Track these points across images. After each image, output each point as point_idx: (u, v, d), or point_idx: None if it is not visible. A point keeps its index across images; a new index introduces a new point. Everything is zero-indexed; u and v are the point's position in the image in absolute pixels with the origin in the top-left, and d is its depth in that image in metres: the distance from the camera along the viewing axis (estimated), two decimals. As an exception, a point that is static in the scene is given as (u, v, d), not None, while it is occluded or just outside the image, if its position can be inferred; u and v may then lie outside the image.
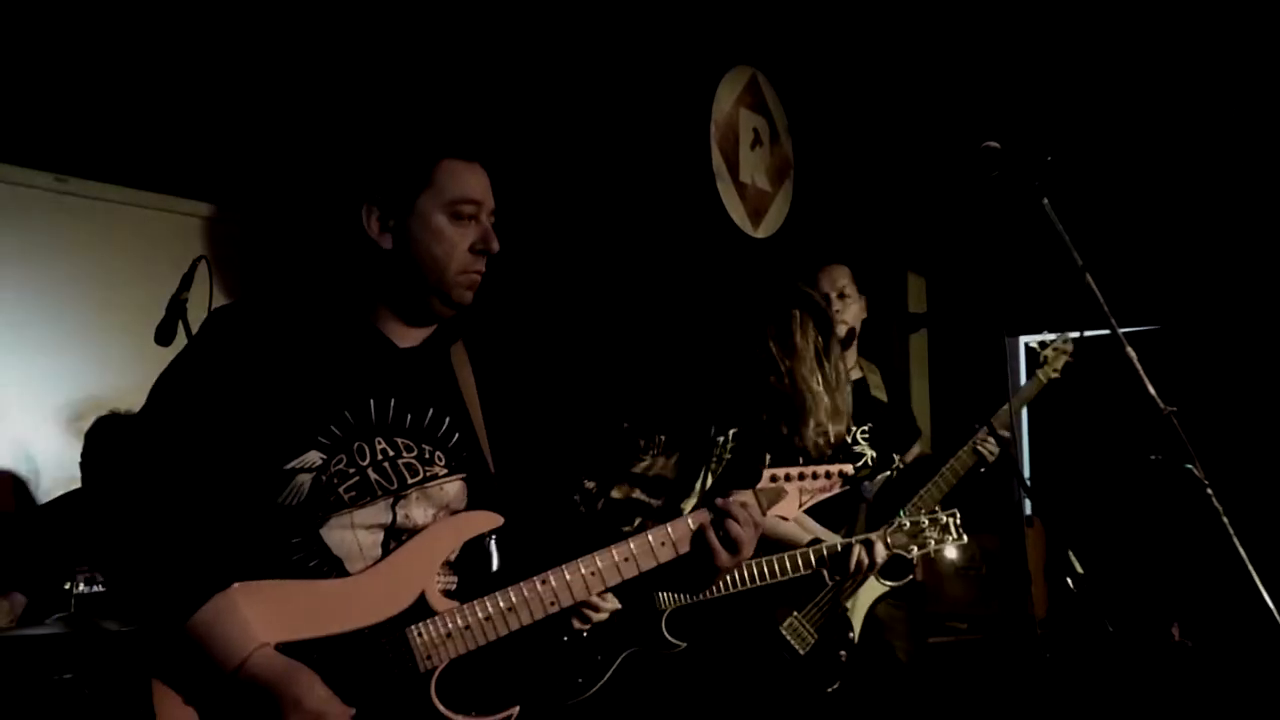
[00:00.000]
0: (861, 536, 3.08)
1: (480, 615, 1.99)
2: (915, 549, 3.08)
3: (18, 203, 4.33)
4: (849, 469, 2.26)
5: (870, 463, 3.37)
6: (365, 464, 1.99)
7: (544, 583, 2.01)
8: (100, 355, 4.61)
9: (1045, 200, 2.46)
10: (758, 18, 5.18)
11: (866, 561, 3.03)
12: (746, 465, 3.16)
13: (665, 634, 3.02)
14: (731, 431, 3.16)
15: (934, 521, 3.09)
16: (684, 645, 3.02)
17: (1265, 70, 4.67)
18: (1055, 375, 3.85)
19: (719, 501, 2.09)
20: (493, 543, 2.18)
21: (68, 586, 3.55)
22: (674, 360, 3.21)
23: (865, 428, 3.77)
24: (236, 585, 1.86)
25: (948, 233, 5.48)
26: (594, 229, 4.73)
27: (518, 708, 2.04)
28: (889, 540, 3.08)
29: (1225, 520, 2.38)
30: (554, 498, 2.22)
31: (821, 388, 3.02)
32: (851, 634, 3.23)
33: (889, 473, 3.56)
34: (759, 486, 2.17)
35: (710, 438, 3.15)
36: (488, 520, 2.06)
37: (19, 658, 3.29)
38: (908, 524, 3.10)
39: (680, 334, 3.26)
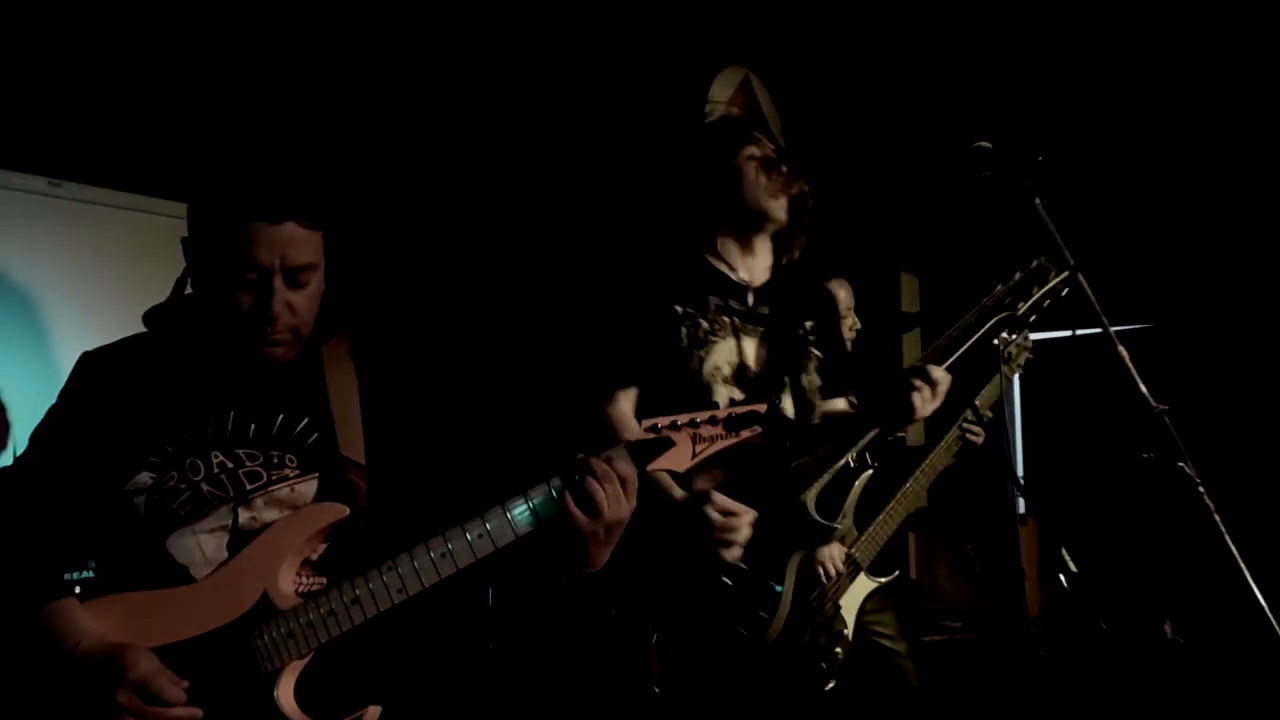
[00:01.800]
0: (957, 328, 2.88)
1: (324, 610, 1.91)
2: (1022, 304, 2.85)
3: (11, 206, 4.33)
4: (760, 408, 1.94)
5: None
6: (198, 478, 2.00)
7: (389, 570, 1.92)
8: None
9: (1037, 200, 2.47)
10: (749, 19, 5.19)
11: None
12: (837, 364, 3.04)
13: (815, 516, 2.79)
14: (809, 324, 3.03)
15: (1028, 272, 2.85)
16: (837, 527, 2.83)
17: (1257, 68, 4.69)
18: (1020, 370, 3.87)
19: (579, 456, 1.93)
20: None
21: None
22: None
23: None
24: (81, 602, 1.92)
25: (940, 232, 5.49)
26: (587, 228, 4.75)
27: (376, 708, 1.96)
28: (989, 304, 2.88)
29: (1217, 518, 2.39)
30: (439, 485, 2.11)
31: (767, 191, 2.96)
32: (846, 631, 3.20)
33: (871, 470, 3.55)
34: (634, 438, 1.93)
35: (796, 334, 2.99)
36: (331, 512, 1.98)
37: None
38: (999, 286, 2.89)
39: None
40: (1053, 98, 4.83)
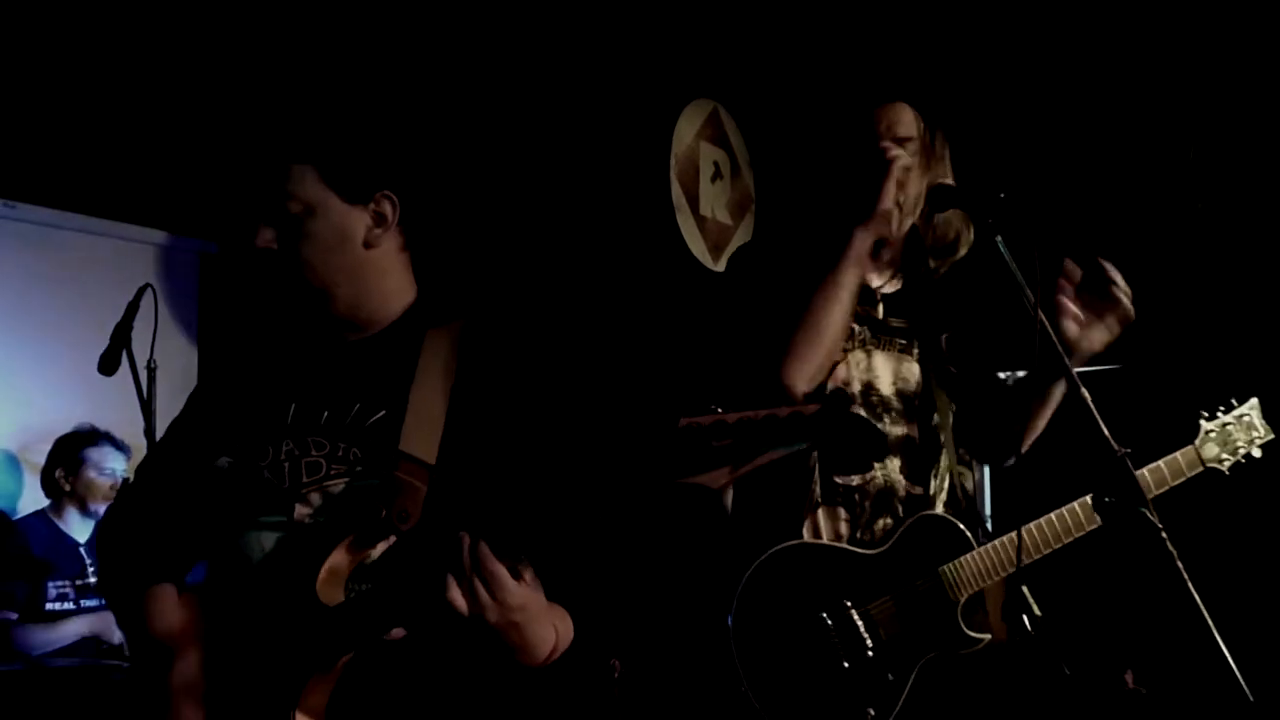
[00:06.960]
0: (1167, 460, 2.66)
1: (346, 620, 1.84)
2: (1227, 458, 2.74)
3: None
4: (809, 408, 1.46)
5: None
6: (264, 464, 1.98)
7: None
8: (48, 382, 4.56)
9: (999, 238, 2.42)
10: (719, 51, 5.19)
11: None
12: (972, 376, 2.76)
13: (963, 627, 2.59)
14: (944, 337, 2.76)
15: (1239, 419, 2.77)
16: (986, 639, 2.58)
17: (1223, 109, 4.71)
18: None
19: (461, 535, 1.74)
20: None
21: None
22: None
23: None
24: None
25: (905, 269, 5.48)
26: (553, 261, 4.72)
27: None
28: (1201, 454, 2.73)
29: (1180, 565, 2.34)
30: (507, 499, 1.87)
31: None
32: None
33: None
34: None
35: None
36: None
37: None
38: (1214, 430, 2.75)
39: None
40: (1021, 135, 4.84)
